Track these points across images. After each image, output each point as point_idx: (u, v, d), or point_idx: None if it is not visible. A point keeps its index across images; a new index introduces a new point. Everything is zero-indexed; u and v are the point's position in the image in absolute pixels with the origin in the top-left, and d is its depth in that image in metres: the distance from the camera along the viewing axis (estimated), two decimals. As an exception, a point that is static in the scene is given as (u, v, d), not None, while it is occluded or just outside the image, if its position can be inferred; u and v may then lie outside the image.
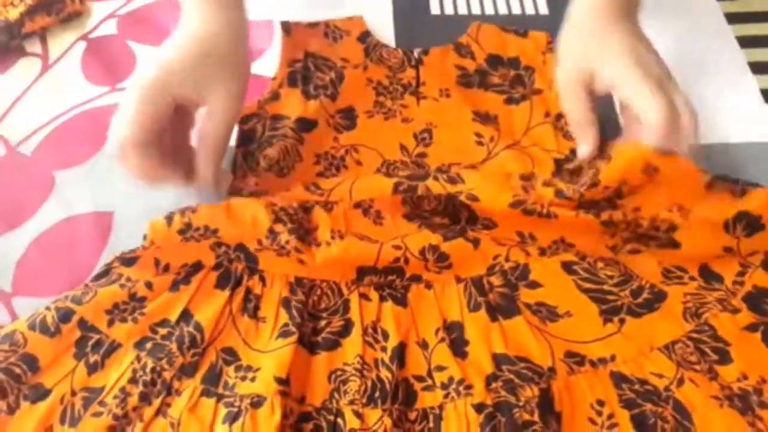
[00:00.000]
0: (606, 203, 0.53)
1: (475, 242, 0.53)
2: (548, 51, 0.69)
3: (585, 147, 0.58)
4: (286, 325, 0.49)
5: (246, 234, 0.52)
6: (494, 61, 0.68)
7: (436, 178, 0.55)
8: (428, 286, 0.53)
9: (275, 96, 0.65)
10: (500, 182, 0.55)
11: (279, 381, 0.46)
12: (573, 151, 0.61)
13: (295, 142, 0.62)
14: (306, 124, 0.63)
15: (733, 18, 0.72)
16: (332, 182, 0.56)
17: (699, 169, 0.51)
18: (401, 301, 0.52)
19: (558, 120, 0.63)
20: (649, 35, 0.57)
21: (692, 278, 0.52)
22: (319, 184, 0.56)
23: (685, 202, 0.51)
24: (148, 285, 0.51)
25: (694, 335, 0.49)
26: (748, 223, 0.50)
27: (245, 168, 0.61)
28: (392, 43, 0.71)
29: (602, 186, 0.51)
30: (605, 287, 0.51)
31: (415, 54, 0.68)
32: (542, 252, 0.54)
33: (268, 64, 0.69)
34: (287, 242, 0.51)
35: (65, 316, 0.49)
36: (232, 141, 0.62)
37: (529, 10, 0.74)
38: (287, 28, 0.70)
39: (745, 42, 0.71)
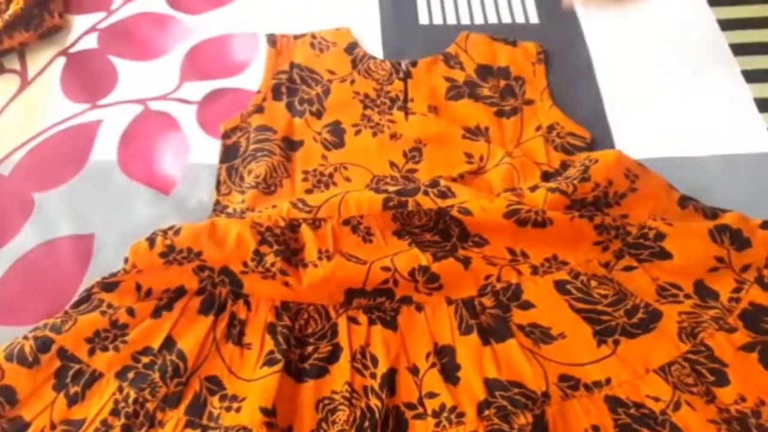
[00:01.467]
0: (596, 209, 0.53)
1: (466, 262, 0.52)
2: (538, 61, 0.68)
3: None
4: (271, 352, 0.48)
5: (230, 256, 0.51)
6: (484, 71, 0.67)
7: (426, 193, 0.54)
8: (419, 308, 0.51)
9: (259, 109, 0.64)
10: (491, 196, 0.55)
11: (264, 412, 0.44)
12: (563, 164, 0.60)
13: (282, 159, 0.60)
14: (292, 144, 0.62)
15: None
16: (320, 198, 0.54)
17: (670, 185, 0.55)
18: (391, 325, 0.50)
19: (549, 132, 0.62)
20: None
21: (687, 296, 0.51)
22: (306, 200, 0.55)
23: (665, 216, 0.53)
24: (130, 312, 0.50)
25: (691, 356, 0.48)
26: (733, 236, 0.52)
27: (230, 185, 0.60)
28: (380, 54, 0.69)
29: (593, 181, 0.52)
30: (599, 307, 0.50)
31: (403, 66, 0.67)
32: (534, 271, 0.53)
33: (252, 77, 0.67)
34: (273, 264, 0.50)
35: (44, 345, 0.48)
36: (215, 158, 0.61)
37: (519, 19, 0.73)
38: (273, 40, 0.69)
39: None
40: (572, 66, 0.68)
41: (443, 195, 0.54)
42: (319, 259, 0.51)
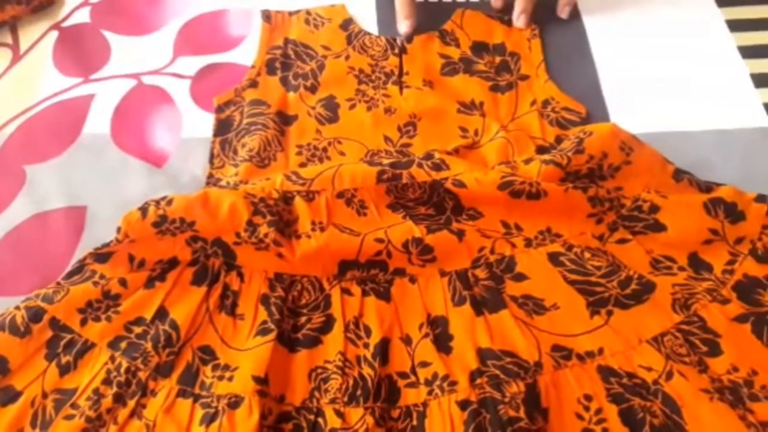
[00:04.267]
0: (590, 181, 0.53)
1: (460, 234, 0.52)
2: (533, 37, 0.67)
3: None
4: (264, 322, 0.48)
5: (223, 226, 0.51)
6: (479, 48, 0.67)
7: (420, 165, 0.53)
8: (412, 280, 0.51)
9: (253, 83, 0.64)
10: (486, 168, 0.55)
11: (257, 380, 0.44)
12: (558, 139, 0.60)
13: (276, 132, 0.60)
14: (286, 118, 0.61)
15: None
16: (314, 171, 0.54)
17: (665, 159, 0.54)
18: (384, 296, 0.50)
19: (544, 107, 0.62)
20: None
21: (681, 268, 0.51)
22: (300, 173, 0.54)
23: (660, 189, 0.53)
24: (123, 282, 0.50)
25: (684, 327, 0.48)
26: (728, 210, 0.51)
27: (223, 158, 0.59)
28: (375, 31, 0.69)
29: (587, 154, 0.52)
30: (592, 279, 0.50)
31: (398, 42, 0.67)
32: (528, 243, 0.52)
33: (246, 53, 0.67)
34: (266, 235, 0.50)
35: (36, 315, 0.47)
36: (208, 132, 0.61)
37: (515, -4, 0.72)
38: (267, 15, 0.69)
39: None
40: (568, 41, 0.68)
41: (437, 167, 0.54)
42: (313, 230, 0.51)
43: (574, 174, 0.53)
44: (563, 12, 0.69)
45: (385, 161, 0.55)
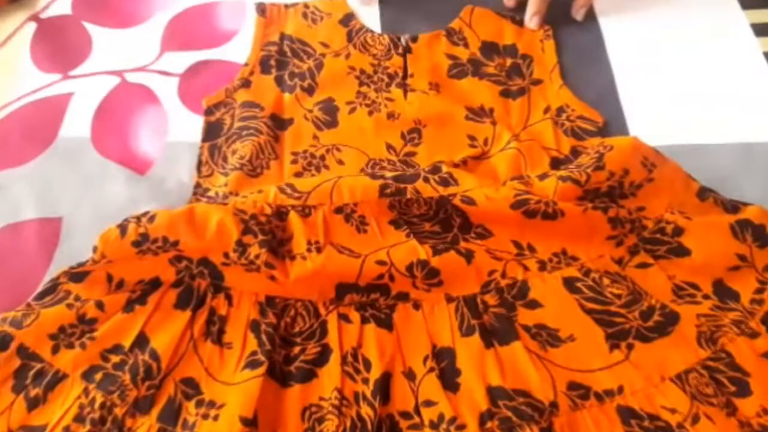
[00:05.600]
0: (610, 200, 0.49)
1: (468, 255, 0.48)
2: (546, 38, 0.63)
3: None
4: (254, 353, 0.44)
5: (211, 246, 0.46)
6: (489, 49, 0.62)
7: (426, 180, 0.49)
8: (416, 305, 0.47)
9: (246, 83, 0.59)
10: (497, 184, 0.51)
11: (245, 421, 0.40)
12: (574, 151, 0.56)
13: (270, 138, 0.56)
14: (280, 122, 0.57)
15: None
16: (311, 183, 0.50)
17: (688, 175, 0.50)
18: (386, 324, 0.46)
19: (559, 115, 0.58)
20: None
21: (706, 296, 0.47)
22: (295, 185, 0.50)
23: (684, 210, 0.49)
24: (99, 305, 0.45)
25: (710, 363, 0.44)
26: (756, 233, 0.48)
27: (212, 165, 0.55)
28: (378, 27, 0.64)
29: (607, 170, 0.48)
30: (612, 308, 0.46)
31: (403, 41, 0.62)
32: (542, 266, 0.48)
33: (239, 49, 0.62)
34: (257, 257, 0.45)
35: (2, 342, 0.43)
36: (196, 136, 0.56)
37: (528, -7, 0.67)
38: (262, 8, 0.64)
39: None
40: (583, 44, 0.63)
41: (445, 182, 0.50)
42: (308, 250, 0.47)
43: (593, 192, 0.49)
44: (578, 14, 0.65)
45: (389, 174, 0.50)
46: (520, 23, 0.64)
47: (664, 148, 0.52)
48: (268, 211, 0.48)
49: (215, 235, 0.46)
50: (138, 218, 0.46)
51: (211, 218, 0.46)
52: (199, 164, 0.55)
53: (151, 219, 0.46)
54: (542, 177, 0.50)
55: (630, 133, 0.58)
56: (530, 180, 0.50)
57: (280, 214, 0.48)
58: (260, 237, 0.46)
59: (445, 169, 0.51)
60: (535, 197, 0.48)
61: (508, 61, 0.62)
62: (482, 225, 0.49)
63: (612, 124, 0.58)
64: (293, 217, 0.48)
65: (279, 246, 0.47)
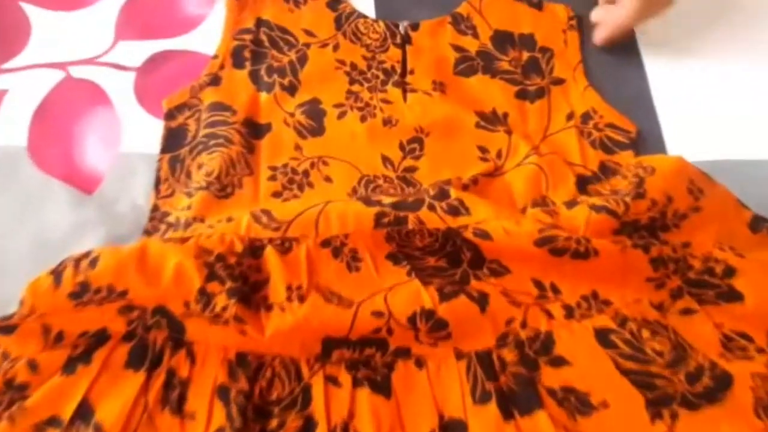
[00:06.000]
0: (650, 234, 0.42)
1: (482, 301, 0.40)
2: (570, 28, 0.54)
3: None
4: (221, 429, 0.36)
5: (167, 295, 0.38)
6: (502, 39, 0.53)
7: (432, 208, 0.41)
8: (419, 363, 0.39)
9: (214, 80, 0.50)
10: (516, 214, 0.42)
11: None
12: (603, 167, 0.48)
13: (243, 149, 0.47)
14: (256, 129, 0.48)
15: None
16: (292, 210, 0.42)
17: (739, 202, 0.43)
18: (382, 388, 0.38)
19: (584, 122, 0.49)
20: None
21: (760, 350, 0.40)
22: (273, 212, 0.42)
23: (734, 243, 0.42)
24: (32, 365, 0.37)
25: (769, 438, 0.37)
26: None
27: (173, 183, 0.46)
28: (372, 11, 0.55)
29: (649, 198, 0.41)
30: (653, 368, 0.39)
31: (401, 28, 0.53)
32: (569, 313, 0.41)
33: (207, 37, 0.52)
34: (224, 309, 0.37)
35: None
36: (155, 146, 0.47)
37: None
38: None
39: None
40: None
41: (454, 211, 0.41)
42: (288, 299, 0.39)
43: (630, 225, 0.41)
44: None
45: (386, 200, 0.42)
46: (538, 6, 0.55)
47: (706, 164, 0.44)
48: (239, 248, 0.39)
49: (172, 282, 0.37)
50: (77, 261, 0.37)
51: (167, 261, 0.37)
52: (158, 181, 0.46)
53: (93, 263, 0.37)
54: (570, 204, 0.42)
55: (666, 145, 0.50)
56: (556, 208, 0.42)
57: (255, 249, 0.40)
58: (228, 284, 0.37)
59: (453, 194, 0.42)
60: (564, 233, 0.40)
61: (525, 55, 0.53)
62: (497, 260, 0.41)
63: (645, 133, 0.50)
64: (270, 255, 0.40)
65: (252, 292, 0.39)
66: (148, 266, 0.37)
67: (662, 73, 0.53)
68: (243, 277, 0.38)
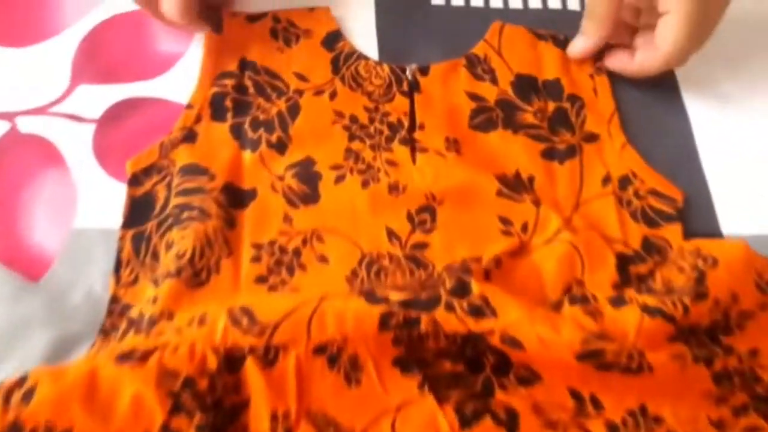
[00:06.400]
0: (711, 339, 0.35)
1: (511, 422, 0.33)
2: (597, 72, 0.47)
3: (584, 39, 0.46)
4: None
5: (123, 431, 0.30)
6: (525, 85, 0.46)
7: (450, 308, 0.34)
8: (434, 506, 0.32)
9: (189, 136, 0.42)
10: (552, 313, 0.35)
11: None
12: (646, 242, 0.41)
13: (222, 223, 0.39)
14: (238, 196, 0.40)
15: None
16: (278, 307, 0.34)
17: None
18: None
19: (623, 188, 0.42)
20: None
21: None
22: (255, 312, 0.34)
23: None
24: None
25: None
26: None
27: (137, 267, 0.38)
28: (374, 52, 0.47)
29: (712, 298, 0.34)
30: None
31: (408, 73, 0.45)
32: (613, 433, 0.34)
33: (180, 82, 0.45)
34: (194, 449, 0.30)
35: None
36: (116, 219, 0.39)
37: (573, 4, 0.51)
38: (216, 22, 0.46)
39: None
40: (646, 82, 0.47)
41: (477, 312, 0.34)
42: (273, 430, 0.31)
43: (688, 329, 0.34)
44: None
45: (394, 297, 0.34)
46: (563, 44, 0.47)
47: (758, 239, 0.38)
48: (213, 364, 0.32)
49: (129, 418, 0.30)
50: (7, 393, 0.30)
51: (122, 391, 0.30)
52: (119, 265, 0.38)
53: (28, 395, 0.29)
54: (617, 302, 0.35)
55: (718, 214, 0.43)
56: (599, 306, 0.35)
57: (232, 362, 0.33)
58: (197, 418, 0.30)
59: (476, 288, 0.35)
60: (612, 344, 0.33)
61: (551, 105, 0.45)
62: (527, 365, 0.34)
63: (692, 199, 0.43)
64: (251, 371, 0.32)
65: (229, 420, 0.31)
66: (97, 398, 0.30)
67: (707, 121, 0.46)
68: (216, 405, 0.31)
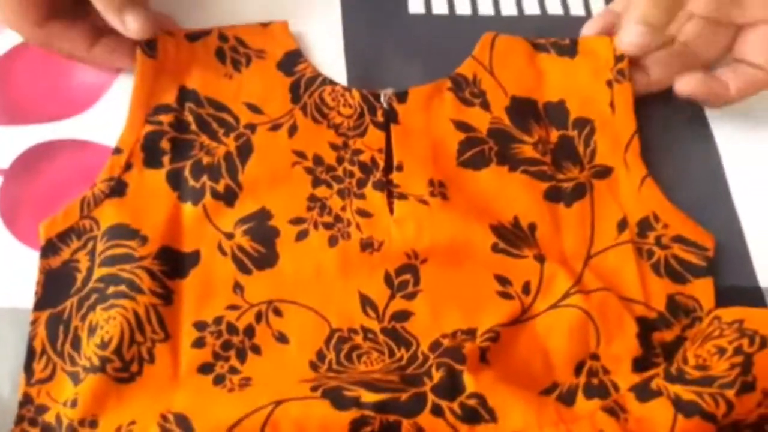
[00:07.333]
0: None
1: None
2: (618, 77, 0.39)
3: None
4: None
5: None
6: (523, 110, 0.38)
7: (438, 411, 0.27)
8: None
9: (116, 188, 0.35)
10: (564, 412, 0.29)
11: None
12: (672, 302, 0.34)
13: (157, 299, 0.32)
14: (177, 263, 0.33)
15: None
16: (222, 415, 0.28)
17: None
18: None
19: (643, 235, 0.35)
20: None
21: None
22: (193, 420, 0.27)
23: None
24: None
25: None
26: None
27: (53, 357, 0.31)
28: (342, 75, 0.40)
29: (760, 390, 0.28)
30: None
31: (383, 99, 0.38)
32: None
33: (107, 119, 0.37)
34: None
35: None
36: (28, 298, 0.32)
37: (576, 10, 0.43)
38: (151, 44, 0.38)
39: None
40: (671, 106, 0.39)
41: (472, 416, 0.28)
42: None
43: (730, 427, 0.27)
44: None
45: (367, 398, 0.28)
46: (570, 51, 0.40)
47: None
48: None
49: None
50: None
51: None
52: (31, 356, 0.31)
53: None
54: (643, 393, 0.29)
55: (755, 265, 0.36)
56: (622, 400, 0.29)
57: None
58: None
59: (469, 383, 0.28)
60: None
61: (554, 134, 0.38)
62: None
63: (723, 245, 0.36)
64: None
65: None
66: None
67: (736, 146, 0.39)
68: None
